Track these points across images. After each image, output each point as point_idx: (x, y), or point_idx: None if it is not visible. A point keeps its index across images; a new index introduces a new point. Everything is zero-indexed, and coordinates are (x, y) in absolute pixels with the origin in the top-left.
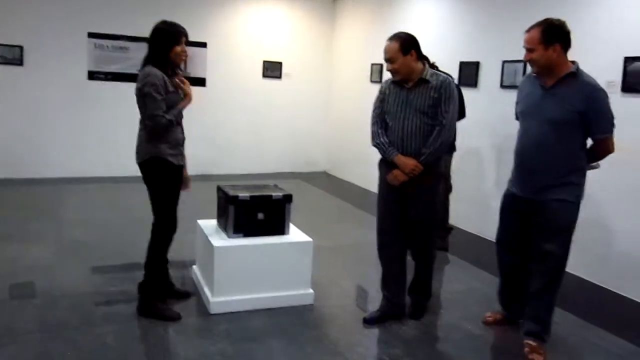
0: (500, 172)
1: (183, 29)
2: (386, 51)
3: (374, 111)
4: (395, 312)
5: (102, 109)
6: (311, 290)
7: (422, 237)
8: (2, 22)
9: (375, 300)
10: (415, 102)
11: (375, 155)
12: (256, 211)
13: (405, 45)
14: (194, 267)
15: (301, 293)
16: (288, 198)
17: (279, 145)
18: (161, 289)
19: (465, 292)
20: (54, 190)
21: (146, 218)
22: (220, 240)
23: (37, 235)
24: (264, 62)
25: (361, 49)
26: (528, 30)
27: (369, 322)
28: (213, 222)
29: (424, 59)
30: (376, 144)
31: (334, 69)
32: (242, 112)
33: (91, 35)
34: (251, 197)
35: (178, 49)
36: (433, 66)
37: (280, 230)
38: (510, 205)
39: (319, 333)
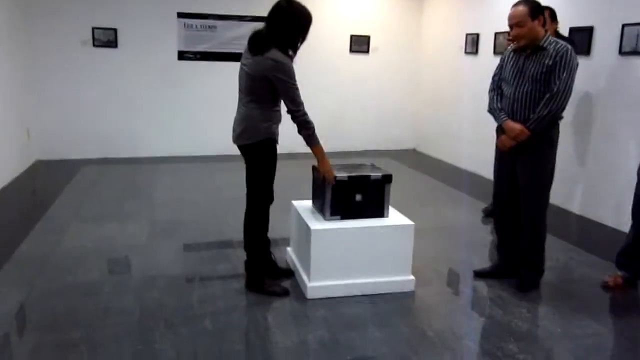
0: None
1: (311, 15)
2: (513, 16)
3: (492, 78)
4: (507, 271)
5: (193, 89)
6: (412, 277)
7: (531, 206)
8: (98, 6)
9: (479, 288)
10: (530, 69)
11: (469, 133)
12: (354, 192)
13: (534, 9)
14: (288, 249)
15: (402, 279)
16: (387, 178)
17: (366, 122)
18: (266, 267)
19: (579, 279)
20: (146, 170)
21: (237, 197)
22: (317, 223)
23: (132, 214)
24: (352, 36)
25: (454, 19)
26: None
27: (479, 274)
28: (308, 203)
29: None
30: (489, 109)
31: (423, 42)
32: (328, 89)
33: (180, 15)
34: (349, 177)
35: (305, 35)
36: (558, 34)
37: (379, 212)
38: None
39: (422, 323)
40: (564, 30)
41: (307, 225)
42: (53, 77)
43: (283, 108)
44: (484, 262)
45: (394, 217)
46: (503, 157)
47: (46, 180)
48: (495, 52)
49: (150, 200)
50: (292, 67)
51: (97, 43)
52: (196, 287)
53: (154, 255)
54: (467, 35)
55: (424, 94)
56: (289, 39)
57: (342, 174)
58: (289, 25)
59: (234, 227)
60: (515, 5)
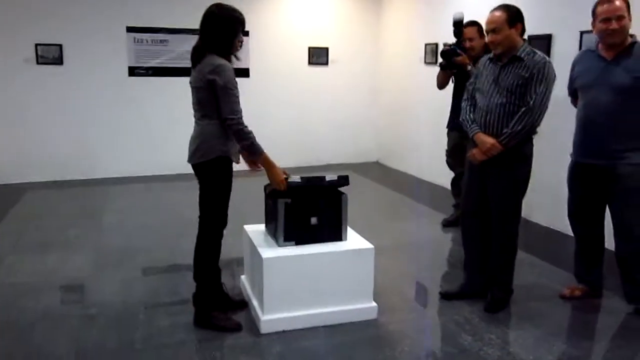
0: None
1: (243, 16)
2: (490, 21)
3: (467, 86)
4: (474, 291)
5: (145, 105)
6: (374, 304)
7: (500, 223)
8: (41, 21)
9: (446, 311)
10: (505, 80)
11: (429, 144)
12: (308, 215)
13: (512, 16)
14: (242, 277)
15: (363, 307)
16: (344, 180)
17: (328, 135)
18: (217, 299)
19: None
20: (96, 192)
21: (192, 219)
22: (269, 250)
23: (77, 242)
24: (310, 48)
25: (413, 28)
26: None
27: (445, 296)
28: (261, 227)
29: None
30: (461, 120)
31: (383, 52)
32: (288, 102)
33: (130, 29)
34: (302, 178)
35: (240, 37)
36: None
37: (337, 235)
38: (580, 175)
39: (385, 356)
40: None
41: (258, 253)
42: None
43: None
44: (449, 280)
45: (353, 240)
46: (473, 169)
47: None
48: None
49: (98, 226)
50: (231, 71)
51: (41, 60)
52: (140, 323)
53: (97, 289)
54: (426, 45)
55: (385, 106)
56: (224, 44)
57: (295, 178)
58: (221, 30)
59: (186, 251)
60: (494, 10)
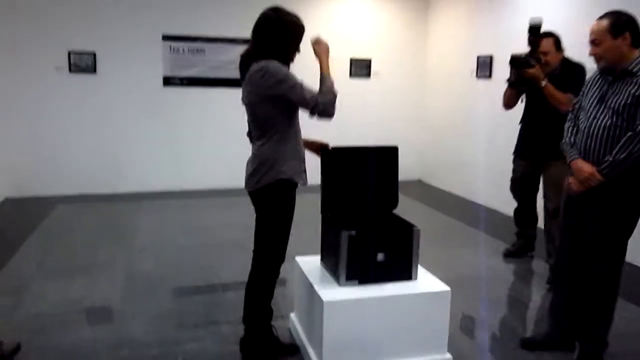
0: None
1: (304, 24)
2: (591, 31)
3: (573, 105)
4: (560, 341)
5: (180, 117)
6: (448, 355)
7: (599, 265)
8: (75, 28)
9: None
10: (612, 98)
11: (480, 163)
12: (375, 250)
13: (617, 25)
14: (292, 316)
15: (435, 359)
16: (414, 231)
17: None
18: (267, 344)
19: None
20: (128, 208)
21: (231, 240)
22: (329, 291)
23: (106, 265)
24: (352, 60)
25: (464, 40)
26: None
27: (527, 345)
28: (315, 260)
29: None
30: (561, 143)
31: (429, 65)
32: None
33: (166, 37)
34: (367, 230)
35: (299, 48)
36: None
37: (406, 274)
38: None
39: None
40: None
41: (317, 295)
42: (24, 106)
43: None
44: (525, 322)
45: (425, 280)
46: (571, 200)
47: (13, 222)
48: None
49: (129, 247)
50: (282, 66)
51: (74, 69)
52: None
53: (128, 324)
54: (478, 57)
55: (429, 121)
56: (280, 50)
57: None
58: (278, 35)
59: (224, 279)
60: (598, 19)
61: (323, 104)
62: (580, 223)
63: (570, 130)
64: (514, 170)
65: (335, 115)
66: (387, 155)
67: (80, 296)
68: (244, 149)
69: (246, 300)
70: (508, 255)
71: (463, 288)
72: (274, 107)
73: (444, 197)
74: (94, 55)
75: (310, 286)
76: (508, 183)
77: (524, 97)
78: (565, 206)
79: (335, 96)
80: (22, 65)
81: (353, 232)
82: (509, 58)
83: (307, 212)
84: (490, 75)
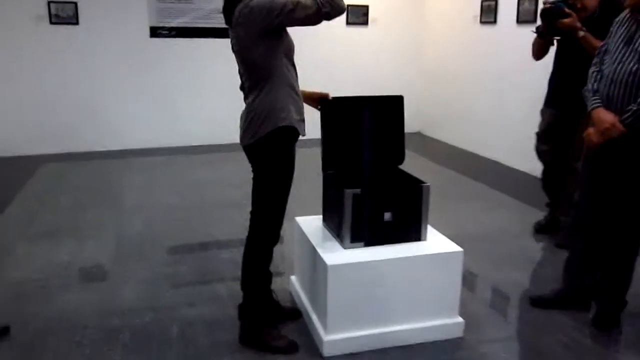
0: None
1: None
2: None
3: (599, 48)
4: (573, 299)
5: (168, 70)
6: (460, 319)
7: (619, 221)
8: None
9: (546, 328)
10: (638, 39)
11: (485, 114)
12: (381, 209)
13: None
14: (292, 278)
15: (447, 323)
16: (423, 188)
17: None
18: (267, 310)
19: None
20: (116, 166)
21: (225, 200)
22: (334, 255)
23: (94, 227)
24: (348, 6)
25: None
26: None
27: (536, 303)
28: (317, 220)
29: None
30: (583, 90)
31: (429, 11)
32: (322, 65)
33: None
34: (373, 188)
35: None
36: None
37: (415, 234)
38: None
39: None
40: None
41: (321, 259)
42: (1, 60)
43: None
44: (535, 282)
45: (435, 240)
46: (590, 154)
47: None
48: (518, 21)
49: (118, 207)
50: None
51: (55, 19)
52: (174, 340)
53: (118, 291)
54: (482, 1)
55: (430, 71)
56: None
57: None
58: None
59: (222, 244)
60: None
61: (327, 10)
62: (599, 177)
63: (594, 76)
64: (540, 124)
65: (329, 67)
66: (392, 106)
67: (66, 261)
68: (237, 102)
69: (244, 265)
70: (540, 230)
71: (470, 245)
72: (268, 51)
73: (447, 150)
74: (76, 4)
75: (313, 249)
76: (514, 134)
77: (555, 42)
78: (584, 160)
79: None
80: None
81: (357, 191)
82: (539, 9)
83: (307, 168)
84: (495, 21)
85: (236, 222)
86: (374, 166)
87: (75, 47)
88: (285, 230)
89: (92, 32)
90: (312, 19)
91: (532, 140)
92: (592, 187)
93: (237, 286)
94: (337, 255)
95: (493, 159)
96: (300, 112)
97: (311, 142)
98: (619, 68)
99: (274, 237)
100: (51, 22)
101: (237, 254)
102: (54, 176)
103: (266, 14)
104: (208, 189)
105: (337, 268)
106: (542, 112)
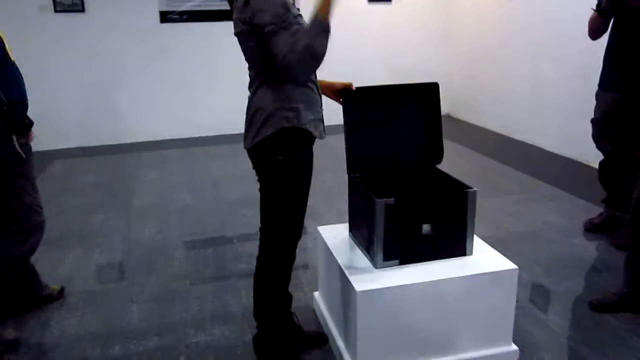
0: None
1: None
2: None
3: None
4: (637, 302)
5: (180, 57)
6: (514, 347)
7: None
8: None
9: (616, 348)
10: None
11: (522, 95)
12: (419, 221)
13: None
14: (316, 295)
15: (498, 352)
16: (469, 195)
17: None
18: (287, 338)
19: None
20: (127, 161)
21: (241, 198)
22: (363, 276)
23: (101, 234)
24: None
25: None
26: None
27: (596, 306)
28: (342, 230)
29: None
30: None
31: None
32: (343, 48)
33: None
34: (409, 197)
35: None
36: None
37: (459, 248)
38: None
39: None
40: None
41: (349, 282)
42: None
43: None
44: (593, 287)
45: (483, 255)
46: None
47: None
48: None
49: (128, 208)
50: None
51: (60, 7)
52: None
53: (121, 314)
54: None
55: (459, 49)
56: None
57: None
58: None
59: (240, 253)
60: None
61: (294, 55)
62: None
63: None
64: (596, 109)
65: (350, 47)
66: (426, 95)
67: (68, 274)
68: None
69: (256, 290)
70: (591, 229)
71: (514, 247)
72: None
73: (480, 134)
74: None
75: (339, 269)
76: (556, 115)
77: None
78: None
79: (315, 53)
80: (1, 6)
81: (391, 200)
82: None
83: (330, 157)
84: None
85: (254, 225)
86: (407, 167)
87: (81, 36)
88: (309, 234)
89: (99, 19)
90: (281, 57)
91: (578, 123)
92: None
93: (251, 311)
94: (367, 277)
95: (533, 143)
96: (316, 110)
97: (334, 128)
98: None
99: (290, 256)
100: (56, 10)
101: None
102: (62, 174)
103: (258, 10)
104: (224, 185)
105: (368, 294)
106: (599, 95)
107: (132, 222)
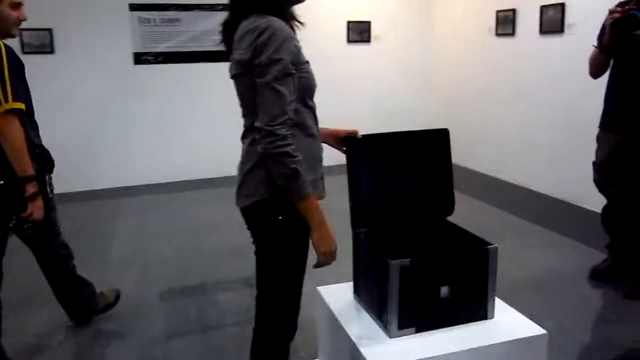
0: None
1: None
2: None
3: None
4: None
5: (157, 100)
6: None
7: None
8: (26, 1)
9: None
10: None
11: (509, 135)
12: (436, 283)
13: None
14: None
15: None
16: (490, 252)
17: (370, 128)
18: None
19: None
20: (103, 208)
21: (223, 246)
22: (378, 350)
23: None
24: (349, 23)
25: None
26: None
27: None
28: (345, 290)
29: None
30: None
31: (438, 25)
32: (321, 89)
33: (133, 7)
34: (425, 257)
35: None
36: None
37: (480, 312)
38: None
39: None
40: None
41: (360, 355)
42: None
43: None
44: (611, 345)
45: (506, 317)
46: None
47: None
48: (542, 32)
49: (104, 260)
50: (289, 34)
51: (28, 49)
52: None
53: None
54: (497, 12)
55: (441, 90)
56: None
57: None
58: None
59: (227, 312)
60: None
61: (275, 147)
62: None
63: None
64: (598, 151)
65: (329, 89)
66: (435, 142)
67: (33, 345)
68: (235, 131)
69: None
70: (596, 276)
71: (519, 298)
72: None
73: (467, 176)
74: (51, 32)
75: (348, 339)
76: (542, 154)
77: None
78: None
79: (284, 174)
80: None
81: (407, 262)
82: (608, 22)
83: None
84: (513, 33)
85: (241, 277)
86: (417, 220)
87: (51, 78)
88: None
89: (70, 61)
90: (260, 127)
91: (566, 163)
92: None
93: None
94: (383, 350)
95: (521, 184)
96: (317, 168)
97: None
98: None
99: (290, 328)
100: (23, 52)
101: (247, 328)
102: None
103: (263, 44)
104: (206, 234)
105: None
106: (601, 137)
107: (108, 277)
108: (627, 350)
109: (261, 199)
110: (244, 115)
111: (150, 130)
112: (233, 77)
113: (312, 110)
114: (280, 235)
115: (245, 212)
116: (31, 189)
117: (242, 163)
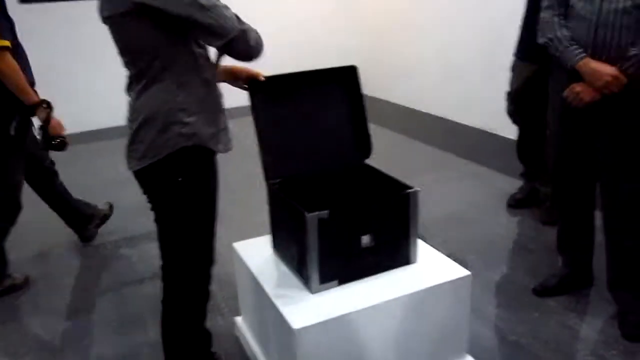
0: None
1: None
2: None
3: None
4: (578, 281)
5: (46, 43)
6: (470, 358)
7: (627, 196)
8: None
9: (566, 345)
10: None
11: (430, 67)
12: (357, 233)
13: None
14: (239, 320)
15: None
16: (411, 196)
17: (289, 62)
18: None
19: None
20: None
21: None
22: (299, 309)
23: None
24: None
25: None
26: None
27: (540, 292)
28: (263, 245)
29: None
30: (547, 40)
31: None
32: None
33: None
34: (344, 206)
35: None
36: None
37: (403, 257)
38: None
39: None
40: None
41: (282, 318)
42: None
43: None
44: (534, 273)
45: (429, 261)
46: (568, 117)
47: None
48: None
49: None
50: None
51: None
52: None
53: None
54: None
55: (362, 21)
56: None
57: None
58: None
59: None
60: None
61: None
62: (587, 143)
63: (557, 22)
64: (512, 80)
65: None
66: (345, 80)
67: None
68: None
69: (166, 339)
70: (514, 205)
71: (442, 232)
72: (155, 29)
73: (391, 110)
74: None
75: (267, 298)
76: (466, 86)
77: None
78: (559, 124)
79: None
80: None
81: (325, 213)
82: None
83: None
84: None
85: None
86: (333, 166)
87: None
88: (220, 241)
89: None
90: (218, 38)
91: (488, 93)
92: (578, 154)
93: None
94: (304, 308)
95: (446, 117)
96: (218, 119)
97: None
98: (604, 6)
99: (204, 292)
100: None
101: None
102: None
103: None
104: (116, 191)
105: (308, 331)
106: (516, 66)
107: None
108: (546, 278)
109: (157, 160)
110: (127, 64)
111: (43, 78)
112: (110, 17)
113: (207, 54)
114: (183, 197)
115: (139, 175)
116: (42, 113)
117: (130, 120)
